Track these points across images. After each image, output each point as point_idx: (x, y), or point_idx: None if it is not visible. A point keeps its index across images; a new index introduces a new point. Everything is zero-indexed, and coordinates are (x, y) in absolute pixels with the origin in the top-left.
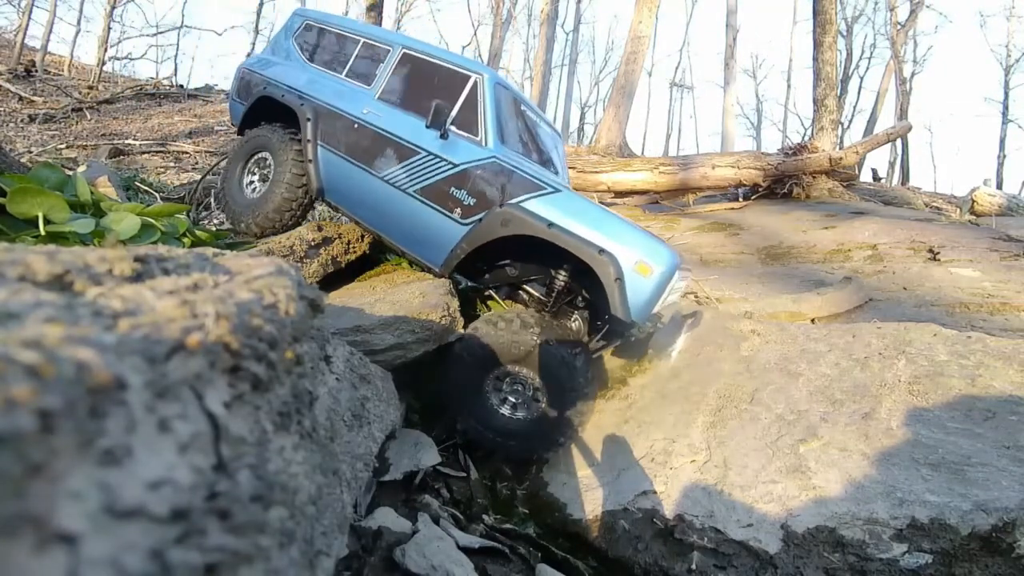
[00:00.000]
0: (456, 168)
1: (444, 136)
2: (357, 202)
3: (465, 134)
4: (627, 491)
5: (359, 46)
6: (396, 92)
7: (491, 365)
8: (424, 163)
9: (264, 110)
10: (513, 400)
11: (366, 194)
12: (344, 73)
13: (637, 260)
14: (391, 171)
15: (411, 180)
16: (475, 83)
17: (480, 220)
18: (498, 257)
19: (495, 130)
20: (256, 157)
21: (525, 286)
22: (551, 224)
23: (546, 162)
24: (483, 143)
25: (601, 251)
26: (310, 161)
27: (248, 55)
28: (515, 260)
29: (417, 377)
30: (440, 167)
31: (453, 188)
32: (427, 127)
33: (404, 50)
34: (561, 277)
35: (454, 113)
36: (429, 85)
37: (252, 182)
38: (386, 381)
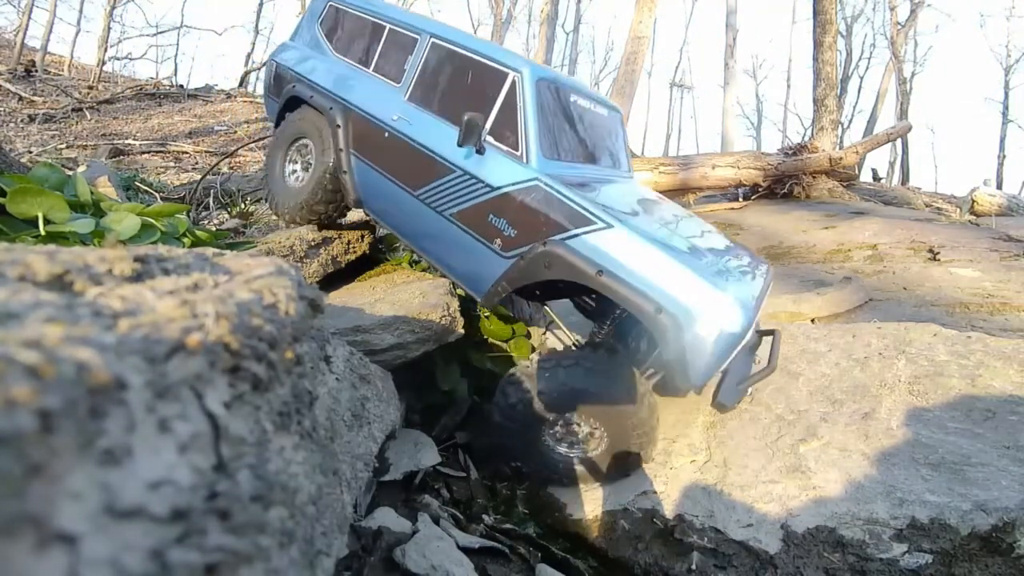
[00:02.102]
0: (494, 192)
1: (480, 151)
2: (395, 218)
3: (504, 148)
4: (627, 491)
5: (385, 33)
6: (426, 92)
7: (543, 419)
8: (459, 183)
9: (298, 104)
10: (570, 440)
11: (402, 211)
12: (372, 67)
13: (702, 318)
14: (426, 190)
15: (447, 202)
16: (513, 83)
17: (521, 257)
18: (547, 287)
19: (537, 143)
20: (297, 144)
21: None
22: (601, 270)
23: (602, 156)
24: (524, 159)
25: (659, 310)
26: (344, 172)
27: (248, 54)
28: (564, 293)
29: (417, 377)
30: (477, 189)
31: (491, 215)
32: (459, 145)
33: (433, 39)
34: (609, 325)
35: (490, 122)
36: (462, 84)
37: (295, 171)
38: (386, 381)
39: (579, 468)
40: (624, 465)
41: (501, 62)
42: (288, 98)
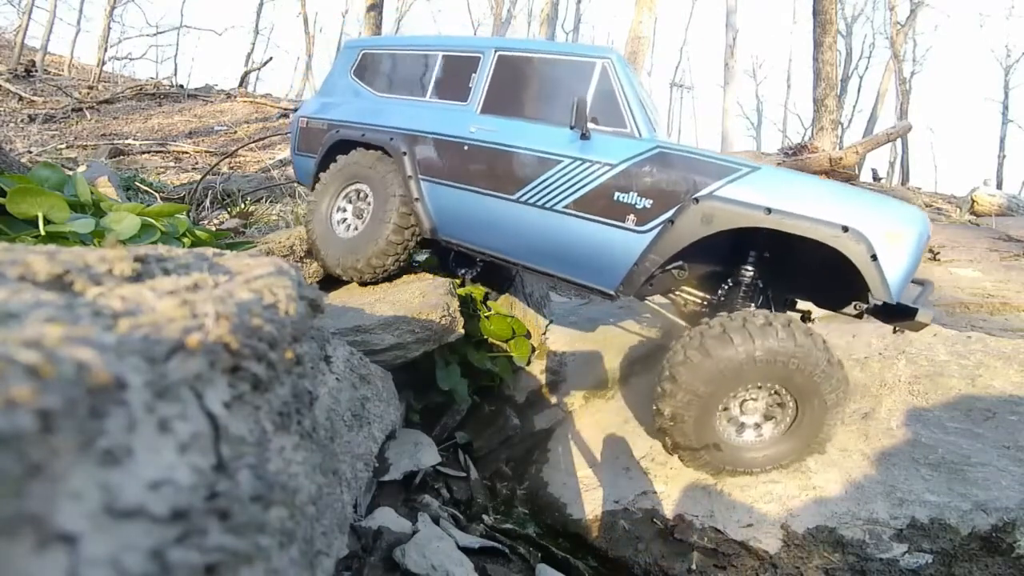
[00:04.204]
0: (615, 169)
1: (585, 136)
2: (484, 233)
3: (610, 129)
4: (627, 491)
5: (438, 61)
6: (502, 101)
7: (724, 391)
8: (569, 172)
9: (343, 150)
10: (749, 419)
11: (495, 222)
12: (428, 95)
13: (886, 229)
14: (526, 189)
15: (556, 195)
16: (604, 69)
17: (671, 222)
18: (672, 260)
19: (644, 116)
20: (346, 191)
21: (684, 288)
22: (770, 210)
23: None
24: (635, 134)
25: (845, 229)
26: (416, 199)
27: (248, 63)
28: (689, 259)
29: (417, 377)
30: (592, 172)
31: (617, 193)
32: (571, 127)
33: (498, 53)
34: (748, 271)
35: (588, 108)
36: (543, 84)
37: (344, 219)
38: (386, 381)
39: (764, 452)
40: (817, 430)
41: (584, 54)
42: (331, 145)
